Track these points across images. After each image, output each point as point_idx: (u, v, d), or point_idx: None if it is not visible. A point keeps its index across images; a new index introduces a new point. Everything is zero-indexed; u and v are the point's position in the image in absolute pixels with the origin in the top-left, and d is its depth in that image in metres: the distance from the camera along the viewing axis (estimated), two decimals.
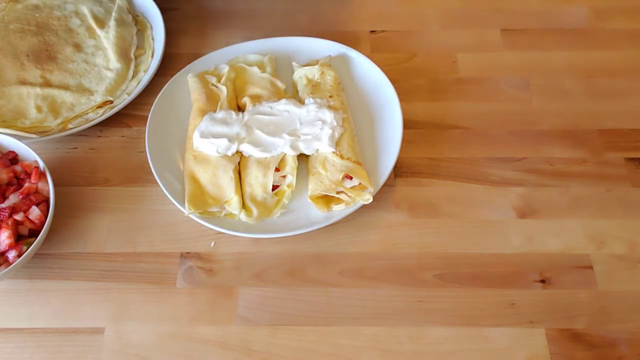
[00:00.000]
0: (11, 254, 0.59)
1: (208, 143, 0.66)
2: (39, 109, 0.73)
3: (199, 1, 0.88)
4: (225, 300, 0.61)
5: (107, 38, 0.79)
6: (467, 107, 0.75)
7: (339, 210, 0.64)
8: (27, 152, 0.66)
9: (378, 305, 0.61)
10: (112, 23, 0.80)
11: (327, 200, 0.64)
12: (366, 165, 0.66)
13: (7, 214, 0.60)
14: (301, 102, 0.71)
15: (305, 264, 0.63)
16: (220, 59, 0.76)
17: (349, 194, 0.63)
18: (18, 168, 0.65)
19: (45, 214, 0.62)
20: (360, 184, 0.64)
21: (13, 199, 0.62)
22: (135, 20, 0.83)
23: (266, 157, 0.66)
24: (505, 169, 0.69)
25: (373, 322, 0.60)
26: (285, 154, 0.66)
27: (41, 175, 0.64)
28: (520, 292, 0.61)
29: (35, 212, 0.62)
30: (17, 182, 0.64)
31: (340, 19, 0.85)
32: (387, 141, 0.68)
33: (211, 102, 0.71)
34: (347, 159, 0.65)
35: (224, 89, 0.72)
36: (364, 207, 0.64)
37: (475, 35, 0.82)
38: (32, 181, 0.63)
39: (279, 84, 0.74)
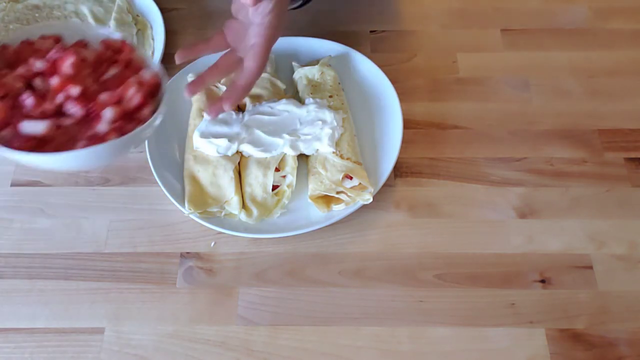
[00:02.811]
0: (146, 111, 0.52)
1: (208, 143, 0.66)
2: None
3: (199, 1, 0.88)
4: (225, 300, 0.61)
5: None
6: (467, 107, 0.75)
7: (339, 210, 0.64)
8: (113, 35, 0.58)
9: (378, 305, 0.61)
10: (112, 23, 0.80)
11: (327, 200, 0.64)
12: (366, 165, 0.66)
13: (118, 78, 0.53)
14: (301, 102, 0.71)
15: (305, 264, 0.63)
16: None
17: (349, 194, 0.63)
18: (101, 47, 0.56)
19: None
20: (360, 184, 0.64)
21: (113, 70, 0.54)
22: (135, 20, 0.83)
23: (266, 157, 0.66)
24: (505, 169, 0.69)
25: (373, 322, 0.60)
26: (285, 154, 0.66)
27: (131, 48, 0.56)
28: (520, 292, 0.61)
29: (146, 73, 0.54)
30: (109, 58, 0.56)
31: (340, 19, 0.85)
32: (387, 141, 0.68)
33: (211, 102, 0.71)
34: (347, 159, 0.65)
35: (224, 89, 0.72)
36: (364, 207, 0.64)
37: (475, 35, 0.82)
38: (127, 53, 0.55)
39: (279, 84, 0.74)
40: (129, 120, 0.51)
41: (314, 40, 0.77)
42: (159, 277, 0.63)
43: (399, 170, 0.69)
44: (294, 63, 0.75)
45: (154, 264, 0.64)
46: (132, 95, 0.52)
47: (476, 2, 0.86)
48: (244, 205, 0.64)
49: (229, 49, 0.64)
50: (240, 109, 0.73)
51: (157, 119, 0.52)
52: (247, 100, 0.71)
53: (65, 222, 0.67)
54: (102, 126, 0.50)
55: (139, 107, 0.52)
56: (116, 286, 0.63)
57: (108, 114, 0.50)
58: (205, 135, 0.66)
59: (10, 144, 0.47)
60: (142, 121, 0.52)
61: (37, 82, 0.51)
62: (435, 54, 0.80)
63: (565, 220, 0.65)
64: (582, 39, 0.80)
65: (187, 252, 0.64)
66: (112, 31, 0.59)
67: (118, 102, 0.51)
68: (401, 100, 0.69)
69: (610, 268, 0.62)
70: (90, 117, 0.51)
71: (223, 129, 0.67)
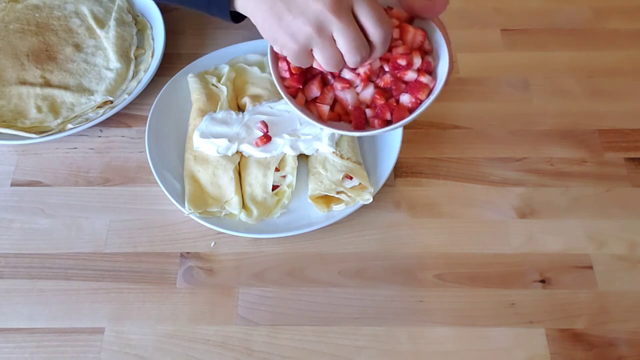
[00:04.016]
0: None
1: (208, 143, 0.66)
2: (39, 109, 0.73)
3: None
4: (225, 300, 0.61)
5: (107, 38, 0.79)
6: (467, 107, 0.75)
7: (339, 210, 0.64)
8: None
9: (378, 305, 0.61)
10: (112, 23, 0.80)
11: (327, 200, 0.64)
12: (366, 165, 0.67)
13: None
14: None
15: (305, 264, 0.63)
16: (220, 59, 0.76)
17: (349, 194, 0.63)
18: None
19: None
20: (360, 184, 0.64)
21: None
22: (135, 20, 0.83)
23: (266, 157, 0.66)
24: (505, 169, 0.69)
25: (373, 322, 0.60)
26: (285, 154, 0.66)
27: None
28: (520, 292, 0.61)
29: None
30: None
31: None
32: (387, 141, 0.68)
33: (211, 102, 0.71)
34: (347, 159, 0.65)
35: (224, 89, 0.72)
36: (364, 207, 0.64)
37: (475, 35, 0.82)
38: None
39: None
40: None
41: None
42: (159, 277, 0.63)
43: (399, 170, 0.69)
44: None
45: (154, 264, 0.64)
46: (413, 36, 0.56)
47: (476, 2, 0.86)
48: (244, 205, 0.64)
49: None
50: (240, 109, 0.73)
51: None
52: (247, 100, 0.71)
53: (65, 222, 0.67)
54: (410, 74, 0.56)
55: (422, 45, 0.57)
56: (116, 286, 0.62)
57: (416, 61, 0.56)
58: (205, 135, 0.66)
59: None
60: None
61: None
62: None
63: (565, 220, 0.65)
64: (582, 39, 0.80)
65: (187, 252, 0.64)
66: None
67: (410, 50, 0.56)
68: None
69: (610, 268, 0.62)
70: (397, 71, 0.57)
71: (223, 129, 0.67)
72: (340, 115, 0.59)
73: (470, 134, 0.72)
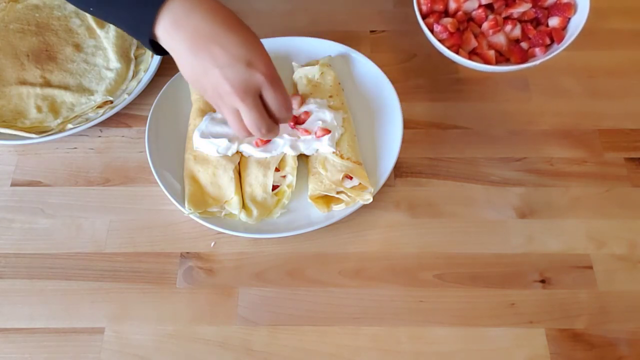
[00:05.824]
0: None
1: (208, 143, 0.66)
2: (39, 109, 0.73)
3: None
4: (225, 300, 0.61)
5: (107, 38, 0.79)
6: (467, 107, 0.75)
7: (339, 210, 0.64)
8: None
9: (378, 305, 0.61)
10: None
11: (327, 200, 0.64)
12: (366, 165, 0.67)
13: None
14: None
15: (305, 264, 0.63)
16: None
17: (349, 194, 0.63)
18: None
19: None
20: (360, 184, 0.64)
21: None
22: None
23: (266, 157, 0.66)
24: (505, 169, 0.69)
25: (373, 322, 0.60)
26: (285, 154, 0.66)
27: None
28: (520, 292, 0.61)
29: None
30: None
31: (340, 19, 0.85)
32: (387, 141, 0.68)
33: None
34: (347, 159, 0.65)
35: None
36: (364, 207, 0.64)
37: None
38: None
39: None
40: None
41: (314, 40, 0.77)
42: (159, 277, 0.63)
43: (399, 170, 0.69)
44: (294, 63, 0.75)
45: (154, 264, 0.64)
46: None
47: None
48: (244, 205, 0.64)
49: None
50: None
51: None
52: None
53: (65, 222, 0.67)
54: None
55: None
56: (116, 286, 0.63)
57: None
58: (205, 135, 0.66)
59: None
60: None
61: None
62: (435, 54, 0.80)
63: (565, 220, 0.65)
64: (582, 39, 0.80)
65: (187, 252, 0.64)
66: None
67: None
68: (401, 100, 0.69)
69: (610, 268, 0.62)
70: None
71: (223, 129, 0.67)
72: (497, 57, 0.68)
73: (470, 133, 0.72)
